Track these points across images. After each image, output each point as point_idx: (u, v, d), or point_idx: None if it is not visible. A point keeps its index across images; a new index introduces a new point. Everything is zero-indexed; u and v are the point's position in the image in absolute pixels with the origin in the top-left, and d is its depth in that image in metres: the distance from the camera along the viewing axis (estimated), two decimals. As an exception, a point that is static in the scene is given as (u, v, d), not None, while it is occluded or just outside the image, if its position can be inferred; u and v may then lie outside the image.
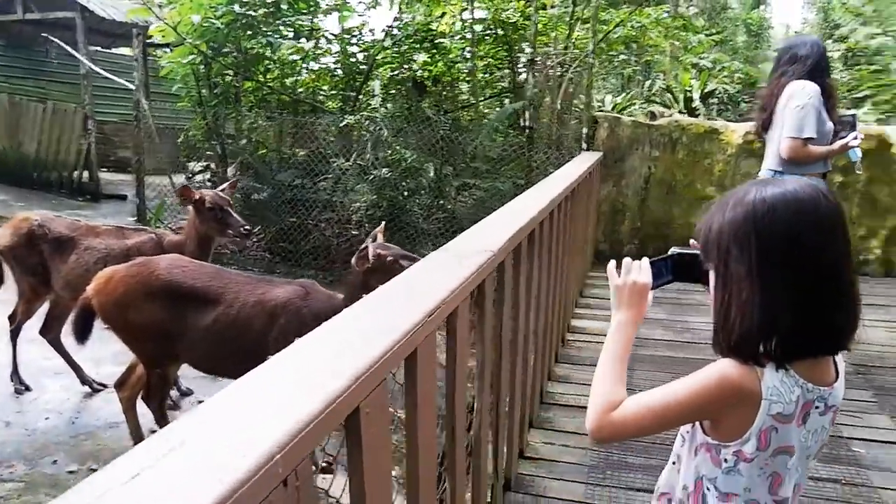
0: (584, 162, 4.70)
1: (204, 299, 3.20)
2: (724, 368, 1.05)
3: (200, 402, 4.14)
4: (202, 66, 8.17)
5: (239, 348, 3.19)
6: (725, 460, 1.09)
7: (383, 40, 8.52)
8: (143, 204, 8.01)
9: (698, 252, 1.25)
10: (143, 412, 3.41)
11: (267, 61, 8.71)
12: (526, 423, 2.82)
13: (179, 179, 8.02)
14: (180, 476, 0.73)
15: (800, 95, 3.32)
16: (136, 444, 3.67)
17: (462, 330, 1.73)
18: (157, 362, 3.28)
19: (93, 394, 4.16)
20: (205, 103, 8.20)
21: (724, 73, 10.41)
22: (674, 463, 1.27)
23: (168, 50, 8.83)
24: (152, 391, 3.34)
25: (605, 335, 4.16)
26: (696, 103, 11.58)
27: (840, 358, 1.11)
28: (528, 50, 9.08)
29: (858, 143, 3.35)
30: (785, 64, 3.51)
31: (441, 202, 6.84)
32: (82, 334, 3.33)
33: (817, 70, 3.39)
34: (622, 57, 10.78)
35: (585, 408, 3.36)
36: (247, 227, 3.94)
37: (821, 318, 1.01)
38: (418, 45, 8.68)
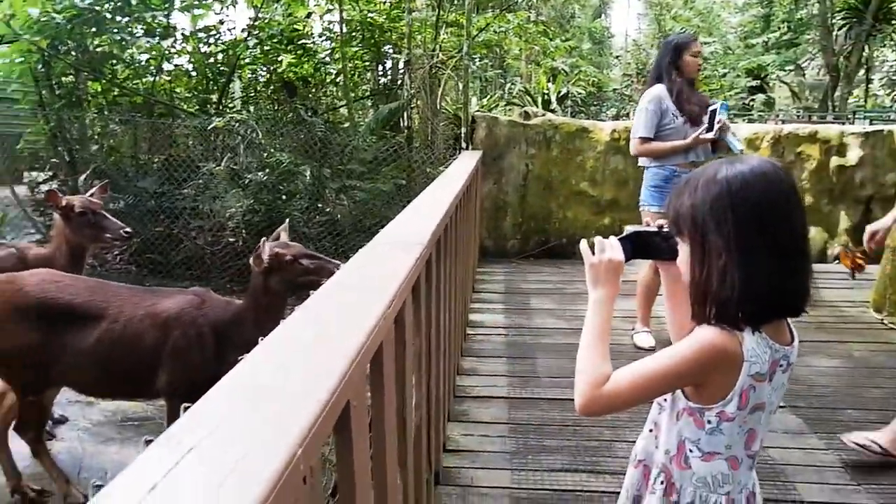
0: (469, 160, 4.79)
1: (85, 316, 2.92)
2: (708, 336, 1.12)
3: (79, 429, 3.77)
4: (41, 66, 7.44)
5: (129, 366, 2.94)
6: (709, 422, 1.17)
7: (246, 40, 8.20)
8: (-21, 218, 7.14)
9: (654, 230, 1.33)
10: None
11: (116, 60, 8.09)
12: (446, 416, 2.83)
13: (21, 190, 7.24)
14: (205, 487, 0.66)
15: (641, 100, 3.80)
16: (11, 481, 3.25)
17: (409, 326, 1.71)
18: (31, 389, 2.94)
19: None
20: (46, 106, 7.46)
21: (579, 77, 11.04)
22: (650, 430, 1.33)
23: (-6, 47, 7.94)
24: (27, 421, 2.99)
25: (500, 328, 4.17)
26: (554, 105, 12.19)
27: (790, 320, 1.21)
28: (392, 52, 9.11)
29: (712, 135, 3.60)
30: (649, 72, 4.02)
31: (320, 205, 6.68)
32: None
33: (660, 74, 3.78)
34: (484, 61, 11.13)
35: (495, 398, 3.39)
36: (128, 229, 3.63)
37: (788, 283, 1.10)
38: (282, 46, 8.45)
